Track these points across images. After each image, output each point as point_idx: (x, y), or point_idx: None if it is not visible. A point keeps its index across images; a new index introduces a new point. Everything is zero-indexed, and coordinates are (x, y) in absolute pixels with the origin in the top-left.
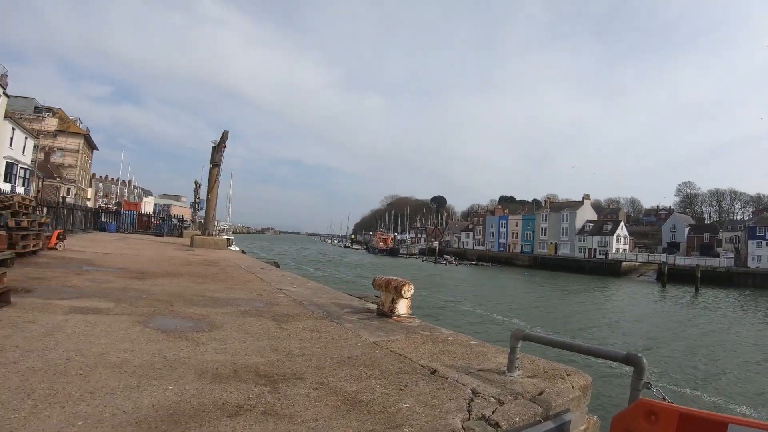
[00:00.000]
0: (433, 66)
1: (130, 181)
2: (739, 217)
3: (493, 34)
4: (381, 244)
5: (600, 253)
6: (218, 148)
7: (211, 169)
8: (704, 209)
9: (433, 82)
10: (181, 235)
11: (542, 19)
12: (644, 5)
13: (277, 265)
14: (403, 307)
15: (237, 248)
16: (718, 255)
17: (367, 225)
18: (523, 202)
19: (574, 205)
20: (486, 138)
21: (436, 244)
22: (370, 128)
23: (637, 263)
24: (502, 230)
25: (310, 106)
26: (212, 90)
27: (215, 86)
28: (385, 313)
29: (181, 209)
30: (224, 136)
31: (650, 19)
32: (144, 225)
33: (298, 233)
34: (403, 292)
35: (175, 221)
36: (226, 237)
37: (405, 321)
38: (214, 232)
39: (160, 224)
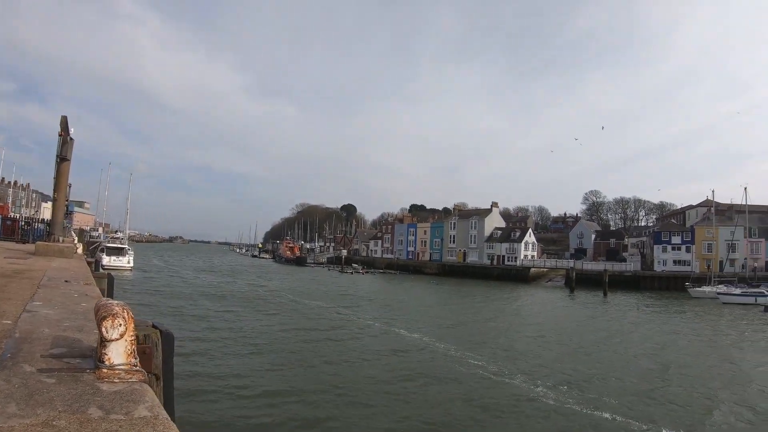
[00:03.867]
0: (347, 74)
1: (27, 184)
2: (643, 224)
3: (408, 45)
4: (288, 252)
5: (508, 260)
6: (64, 139)
7: (58, 165)
8: (610, 216)
9: (346, 89)
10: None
11: (456, 31)
12: (555, 24)
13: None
14: (118, 353)
15: (129, 263)
16: (624, 260)
17: (277, 233)
18: (433, 211)
19: (482, 213)
20: (398, 147)
21: (344, 252)
22: (283, 134)
23: (545, 269)
24: (411, 238)
25: (222, 110)
26: (121, 90)
27: (125, 87)
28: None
29: (84, 216)
30: (63, 123)
31: (560, 37)
32: (8, 230)
33: (208, 242)
34: (104, 329)
35: (41, 226)
36: (78, 243)
37: (112, 379)
38: (61, 238)
39: (27, 229)
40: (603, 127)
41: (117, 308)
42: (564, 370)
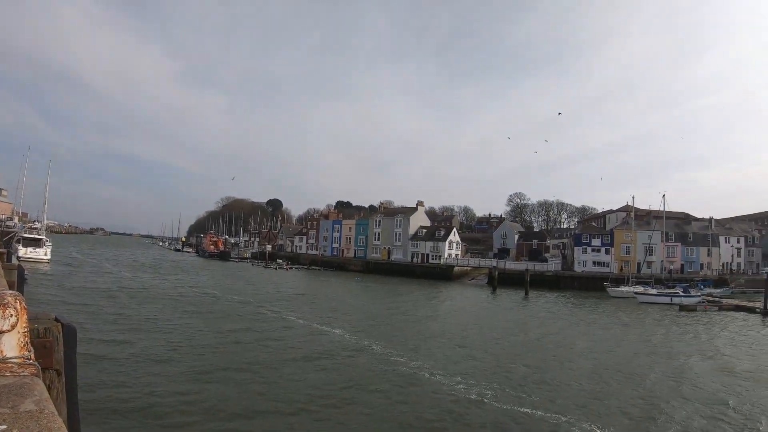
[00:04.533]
0: (280, 67)
1: None
2: (565, 226)
3: (342, 41)
4: (212, 247)
5: (433, 258)
6: None
7: None
8: (533, 218)
9: (278, 83)
10: None
11: (390, 31)
12: (490, 30)
13: None
14: (10, 345)
15: (47, 255)
16: (546, 260)
17: (201, 227)
18: (359, 208)
19: (408, 212)
20: (328, 143)
21: (268, 247)
22: (211, 126)
23: (468, 268)
24: (336, 235)
25: (149, 98)
26: (43, 71)
27: (47, 67)
28: None
29: (0, 204)
30: None
31: (495, 44)
32: None
33: (131, 234)
34: None
35: None
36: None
37: (3, 373)
38: None
39: None
40: (546, 140)
41: (9, 298)
42: (487, 368)
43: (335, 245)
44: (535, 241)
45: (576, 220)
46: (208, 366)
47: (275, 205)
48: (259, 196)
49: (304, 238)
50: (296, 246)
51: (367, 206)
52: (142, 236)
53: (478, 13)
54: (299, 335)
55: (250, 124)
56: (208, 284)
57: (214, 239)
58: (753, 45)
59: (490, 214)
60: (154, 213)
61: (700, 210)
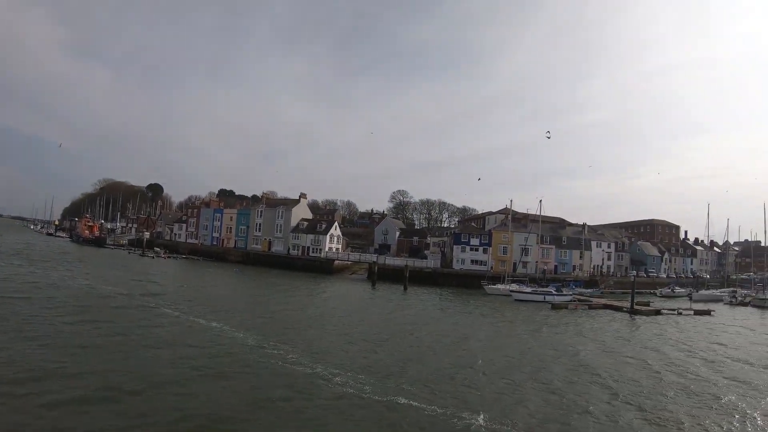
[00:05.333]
0: (171, 46)
1: None
2: (446, 225)
3: (238, 25)
4: (86, 232)
5: (313, 252)
6: None
7: None
8: (415, 216)
9: (166, 63)
10: None
11: (288, 19)
12: (389, 30)
13: None
14: None
15: None
16: (426, 257)
17: (76, 210)
18: (242, 197)
19: (290, 203)
20: (214, 129)
21: (146, 234)
22: (92, 102)
23: (349, 262)
24: (217, 224)
25: (26, 64)
26: None
27: None
28: None
29: None
30: None
31: (392, 44)
32: None
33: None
34: None
35: None
36: None
37: None
38: None
39: None
40: (433, 141)
41: None
42: (365, 360)
43: (215, 235)
44: (415, 239)
45: (456, 219)
46: (77, 354)
47: (156, 190)
48: (139, 179)
49: (184, 226)
50: (175, 234)
51: (250, 196)
52: (12, 218)
53: (379, 12)
54: (174, 330)
55: (135, 103)
56: (80, 271)
57: (90, 224)
58: (633, 72)
59: (372, 210)
60: (26, 192)
61: (575, 216)
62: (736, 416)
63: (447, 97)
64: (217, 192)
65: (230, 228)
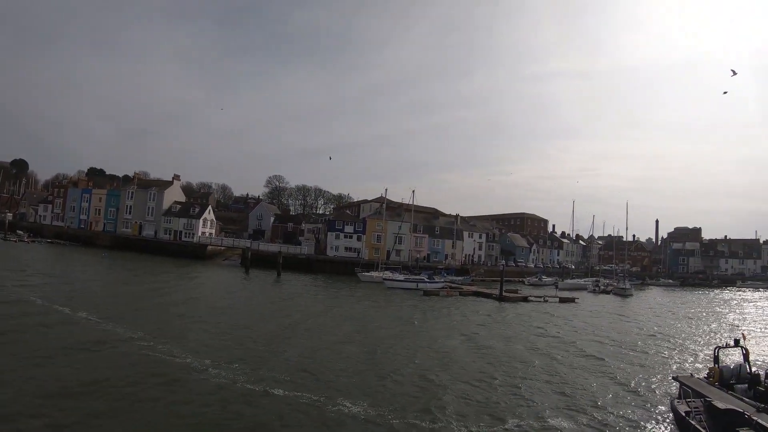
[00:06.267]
0: (40, 8)
1: None
2: (321, 212)
3: None
4: None
5: (186, 236)
6: None
7: None
8: (291, 202)
9: (33, 26)
10: None
11: None
12: (277, 10)
13: None
14: None
15: None
16: (300, 243)
17: None
18: (113, 177)
19: (162, 185)
20: (88, 102)
21: (9, 216)
22: None
23: (222, 248)
24: (85, 205)
25: None
26: None
27: None
28: None
29: None
30: None
31: (277, 26)
32: None
33: None
34: None
35: None
36: None
37: None
38: None
39: None
40: (311, 128)
41: None
42: (238, 349)
43: (83, 217)
44: (290, 224)
45: (332, 207)
46: None
47: (20, 166)
48: (2, 154)
49: (50, 207)
50: (40, 216)
51: (122, 176)
52: None
53: None
54: (35, 321)
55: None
56: None
57: None
58: (514, 75)
59: (248, 195)
60: None
61: (449, 207)
62: (587, 383)
63: (331, 84)
64: (86, 171)
65: (99, 210)
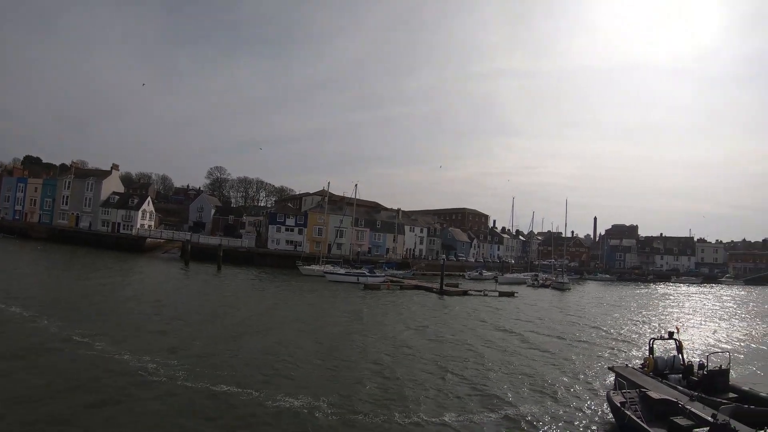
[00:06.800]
0: None
1: None
2: (263, 204)
3: None
4: None
5: (124, 228)
6: None
7: None
8: (232, 194)
9: None
10: None
11: None
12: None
13: None
14: None
15: None
16: (241, 236)
17: None
18: (49, 166)
19: (101, 175)
20: (24, 85)
21: None
22: None
23: (162, 240)
24: (20, 195)
25: None
26: None
27: None
28: None
29: None
30: None
31: (227, 12)
32: None
33: None
34: None
35: None
36: None
37: None
38: None
39: None
40: (256, 119)
41: None
42: (177, 345)
43: (18, 207)
44: (231, 217)
45: (274, 199)
46: None
47: None
48: None
49: None
50: None
51: (59, 165)
52: None
53: None
54: None
55: None
56: None
57: None
58: (460, 73)
59: (188, 186)
60: None
61: (392, 201)
62: (527, 374)
63: (276, 75)
64: (22, 159)
65: (34, 200)
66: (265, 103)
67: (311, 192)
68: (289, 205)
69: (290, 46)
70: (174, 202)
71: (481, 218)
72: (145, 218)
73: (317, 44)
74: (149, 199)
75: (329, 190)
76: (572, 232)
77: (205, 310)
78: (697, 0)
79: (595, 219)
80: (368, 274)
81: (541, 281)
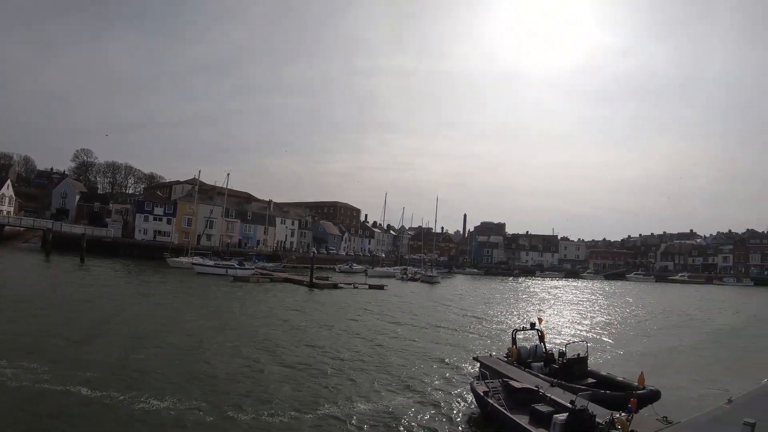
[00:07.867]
0: None
1: None
2: (132, 191)
3: None
4: None
5: None
6: None
7: None
8: (99, 179)
9: None
10: None
11: None
12: None
13: None
14: None
15: None
16: (107, 225)
17: None
18: None
19: None
20: None
21: None
22: None
23: (22, 228)
24: None
25: None
26: None
27: None
28: None
29: None
30: None
31: None
32: None
33: None
34: None
35: None
36: None
37: None
38: None
39: None
40: (127, 101)
41: None
42: (35, 346)
43: None
44: (97, 204)
45: (143, 186)
46: None
47: None
48: None
49: None
50: None
51: None
52: None
53: None
54: None
55: None
56: None
57: None
58: (341, 67)
59: (52, 169)
60: None
61: (266, 192)
62: (393, 366)
63: (153, 55)
64: None
65: None
66: (141, 84)
67: (182, 180)
68: (158, 193)
69: (172, 25)
70: (36, 187)
71: (353, 212)
72: (3, 203)
73: (199, 26)
74: (9, 182)
75: (201, 179)
76: (442, 228)
77: (68, 308)
78: (575, 26)
79: (465, 216)
80: (237, 266)
81: (410, 275)
